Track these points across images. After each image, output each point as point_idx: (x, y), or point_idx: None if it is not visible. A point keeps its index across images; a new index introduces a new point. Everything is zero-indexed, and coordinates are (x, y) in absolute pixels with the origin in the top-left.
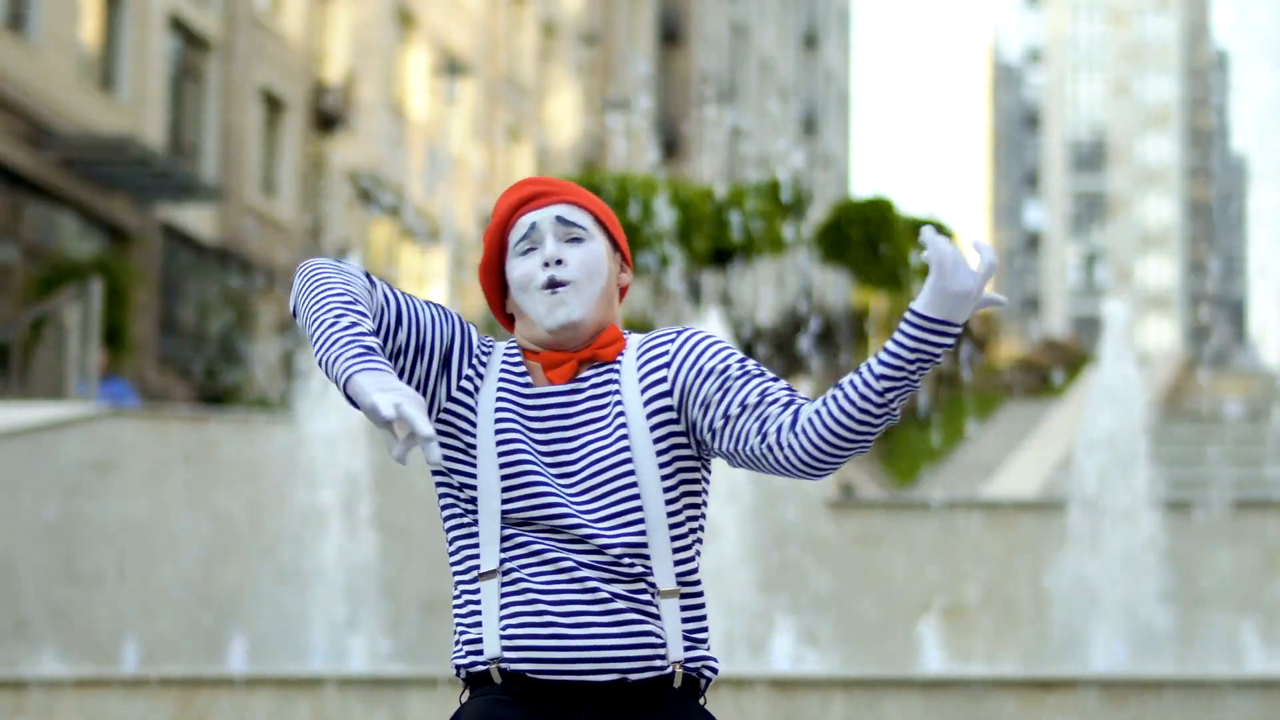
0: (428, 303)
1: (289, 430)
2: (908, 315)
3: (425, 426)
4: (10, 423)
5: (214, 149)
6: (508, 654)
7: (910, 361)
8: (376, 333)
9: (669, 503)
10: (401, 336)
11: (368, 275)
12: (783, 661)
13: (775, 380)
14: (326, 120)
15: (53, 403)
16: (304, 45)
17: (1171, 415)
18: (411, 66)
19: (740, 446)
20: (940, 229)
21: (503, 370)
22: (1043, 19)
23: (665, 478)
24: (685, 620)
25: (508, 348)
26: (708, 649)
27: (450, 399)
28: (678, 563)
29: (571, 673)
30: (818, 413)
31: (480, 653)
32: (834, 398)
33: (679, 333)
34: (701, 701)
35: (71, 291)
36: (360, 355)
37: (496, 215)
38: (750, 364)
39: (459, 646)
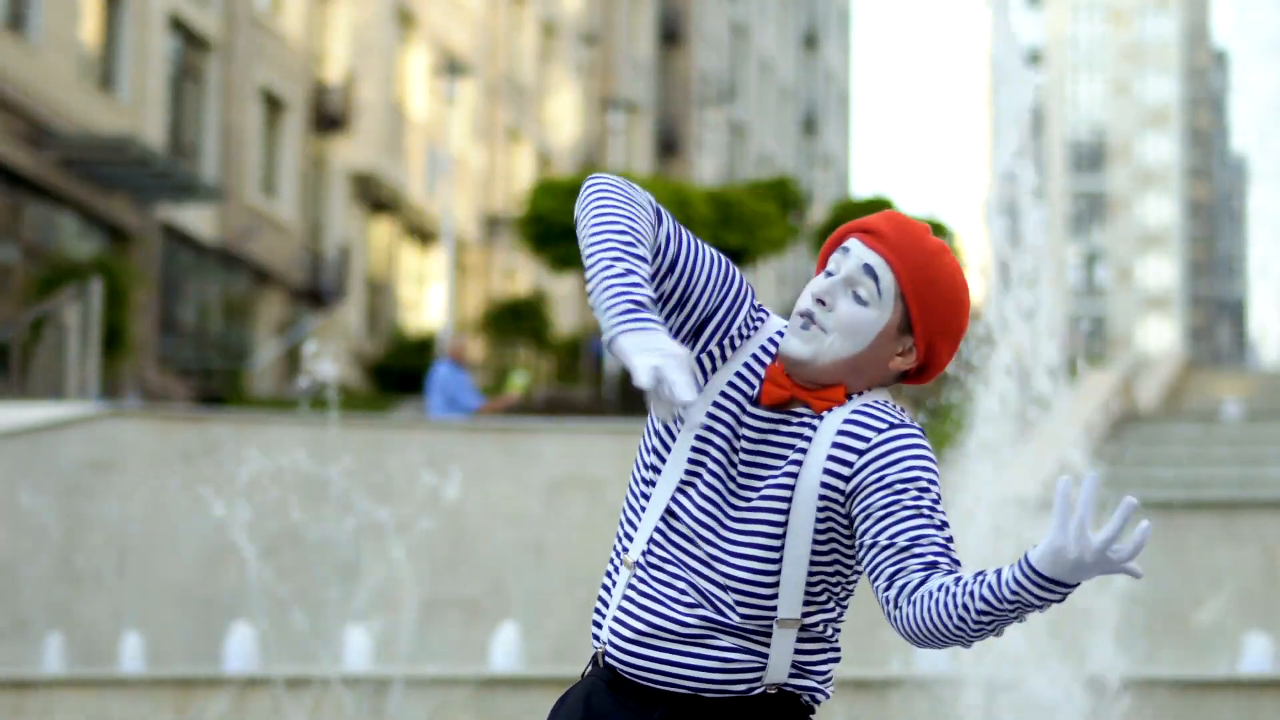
0: (717, 260)
1: (289, 430)
2: (1022, 559)
3: (685, 391)
4: (10, 423)
5: (214, 149)
6: (611, 643)
7: (1011, 603)
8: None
9: (815, 553)
10: (668, 284)
11: (656, 208)
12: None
13: (940, 528)
14: (326, 120)
15: (53, 403)
16: (304, 45)
17: (1171, 415)
18: (411, 66)
19: (870, 578)
20: (941, 229)
21: (747, 362)
22: (1043, 19)
23: (819, 531)
24: (800, 652)
25: (776, 333)
26: (820, 681)
27: (707, 350)
28: (808, 603)
29: (650, 680)
30: (932, 594)
31: (600, 627)
32: (947, 590)
33: (890, 425)
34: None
35: (71, 291)
36: (627, 313)
37: (851, 224)
38: (929, 497)
39: (595, 610)
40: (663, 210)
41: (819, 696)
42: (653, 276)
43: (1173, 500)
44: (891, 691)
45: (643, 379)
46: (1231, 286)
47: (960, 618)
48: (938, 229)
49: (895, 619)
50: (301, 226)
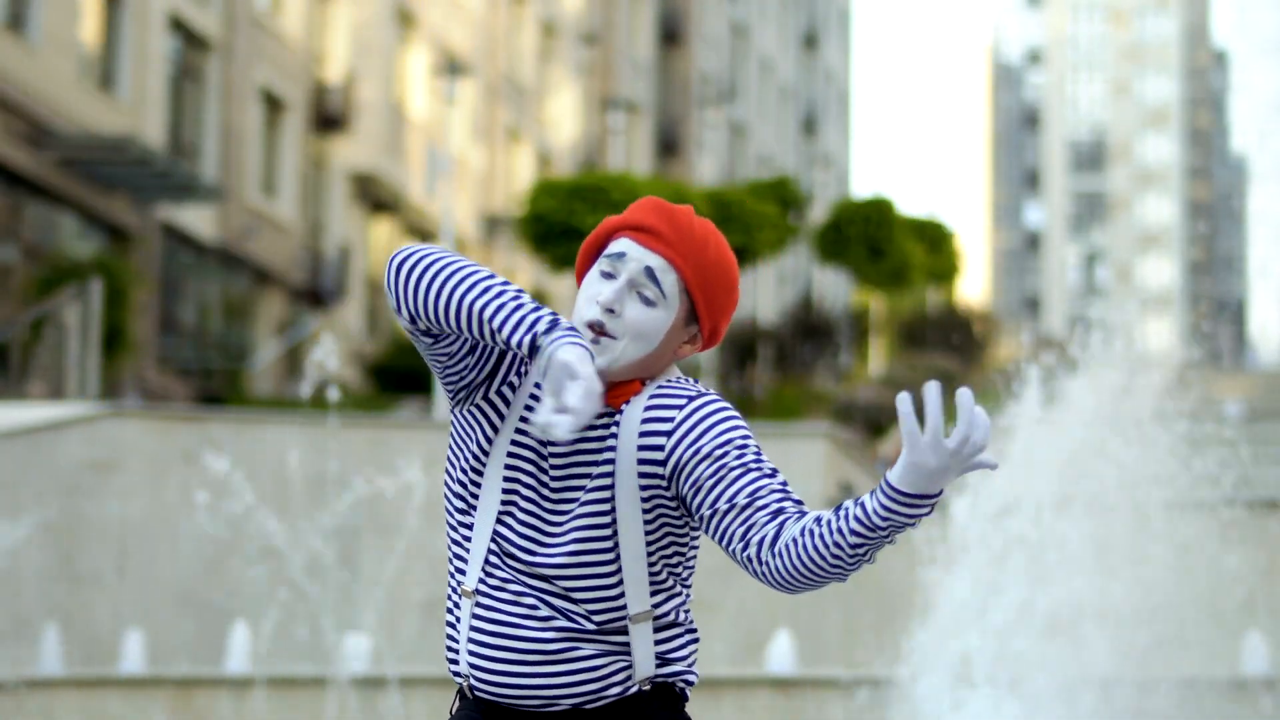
0: None
1: (289, 430)
2: (882, 484)
3: (576, 398)
4: (10, 423)
5: (214, 149)
6: (474, 675)
7: (882, 528)
8: (435, 327)
9: (649, 542)
10: (458, 345)
11: None
12: (783, 662)
13: (771, 475)
14: (326, 120)
15: (53, 403)
16: (304, 45)
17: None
18: (411, 66)
19: (723, 544)
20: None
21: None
22: (1043, 19)
23: (648, 520)
24: (660, 642)
25: None
26: (686, 664)
27: (486, 398)
28: (654, 592)
29: (529, 703)
30: (796, 540)
31: (457, 662)
32: (812, 533)
33: (689, 400)
34: (684, 706)
35: (71, 291)
36: (553, 325)
37: (614, 221)
38: (750, 452)
39: (446, 645)
40: None
41: (689, 679)
42: (440, 334)
43: (1172, 500)
44: (893, 691)
45: (596, 386)
46: (1231, 286)
47: (835, 555)
48: (938, 229)
49: (764, 574)
50: (301, 226)
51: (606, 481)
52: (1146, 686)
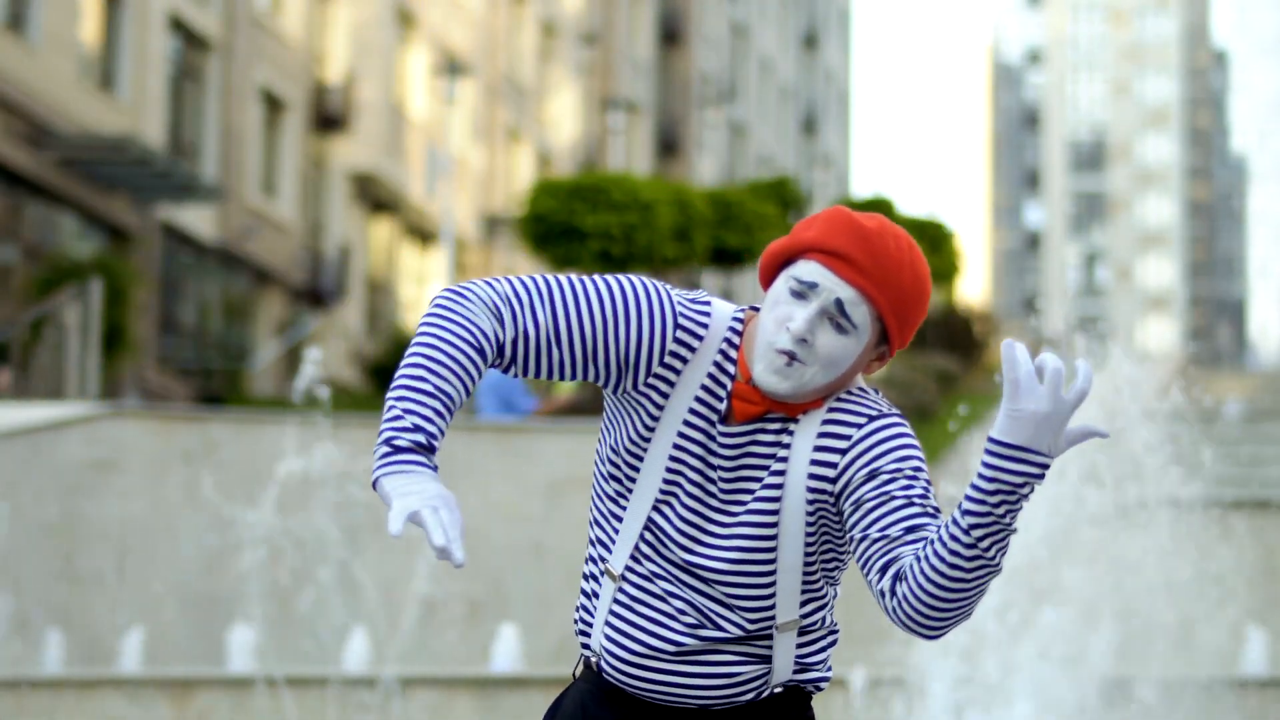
0: (606, 294)
1: (289, 430)
2: (986, 443)
3: (438, 537)
4: (10, 423)
5: (214, 149)
6: (605, 658)
7: (991, 494)
8: (524, 361)
9: (808, 555)
10: (560, 353)
11: (517, 290)
12: None
13: (933, 515)
14: (326, 120)
15: (53, 403)
16: (304, 45)
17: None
18: (411, 66)
19: (864, 571)
20: (940, 228)
21: (709, 373)
22: (1043, 19)
23: (809, 534)
24: (800, 648)
25: (730, 332)
26: (823, 669)
27: (635, 390)
28: (804, 602)
29: (656, 697)
30: (919, 561)
31: (589, 636)
32: (930, 546)
33: (869, 419)
34: (810, 703)
35: (71, 291)
36: (384, 457)
37: (808, 234)
38: (918, 486)
39: (578, 612)
40: (524, 286)
41: (822, 684)
42: (532, 356)
43: (1172, 500)
44: (893, 691)
45: (394, 528)
46: (1231, 286)
47: (952, 553)
48: (938, 229)
49: (894, 610)
50: (301, 226)
51: (776, 492)
52: (1147, 686)
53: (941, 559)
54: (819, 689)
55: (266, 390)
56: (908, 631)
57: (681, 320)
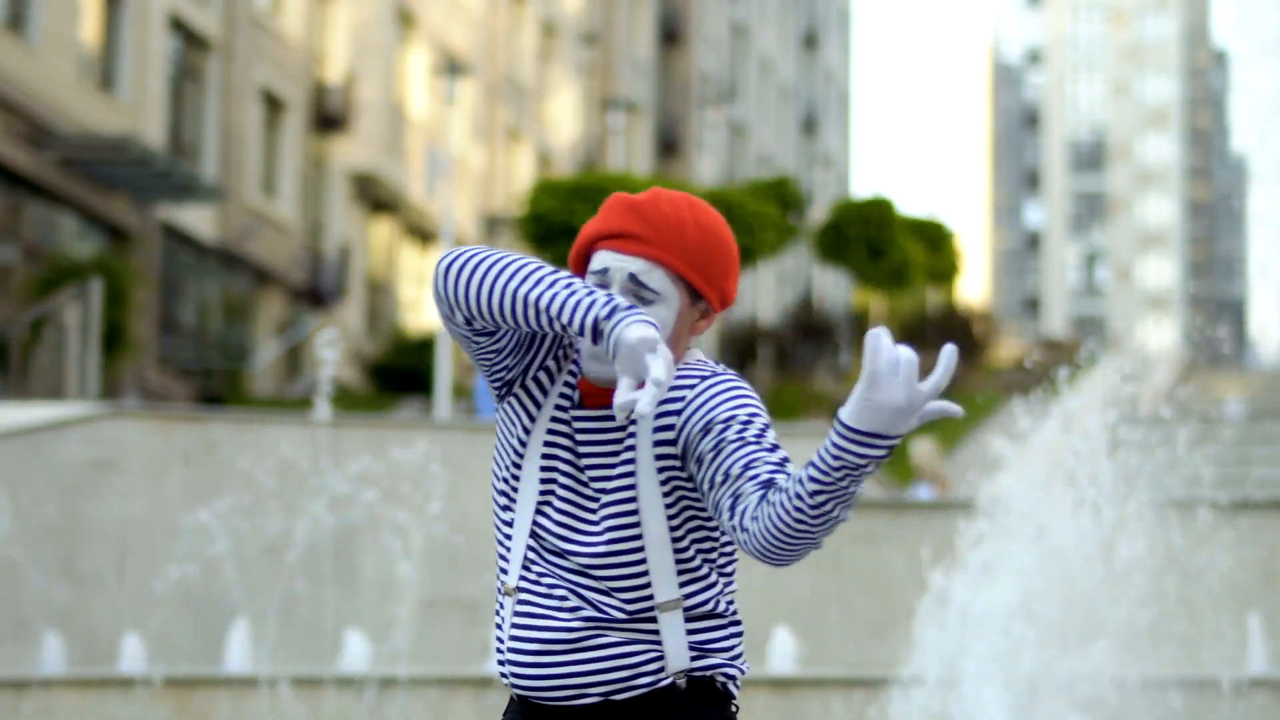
0: None
1: (289, 430)
2: (835, 422)
3: (660, 369)
4: (10, 423)
5: (214, 149)
6: (512, 672)
7: (835, 470)
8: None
9: (673, 527)
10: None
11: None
12: (783, 662)
13: (770, 450)
14: (326, 120)
15: (53, 403)
16: (304, 45)
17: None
18: (411, 66)
19: (717, 517)
20: (940, 228)
21: (571, 369)
22: (1043, 19)
23: (669, 505)
24: (693, 632)
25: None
26: (728, 657)
27: (522, 386)
28: (683, 582)
29: (556, 698)
30: (770, 502)
31: (502, 664)
32: (784, 491)
33: (701, 379)
34: (734, 706)
35: (71, 291)
36: (623, 307)
37: (590, 229)
38: (753, 428)
39: (496, 648)
40: None
41: (731, 672)
42: (489, 331)
43: (1173, 500)
44: (894, 691)
45: (660, 373)
46: (1231, 286)
47: (797, 508)
48: (938, 229)
49: (745, 543)
50: (301, 226)
51: (629, 469)
52: (1147, 687)
53: (789, 513)
54: (731, 680)
55: (266, 390)
56: (761, 562)
57: None
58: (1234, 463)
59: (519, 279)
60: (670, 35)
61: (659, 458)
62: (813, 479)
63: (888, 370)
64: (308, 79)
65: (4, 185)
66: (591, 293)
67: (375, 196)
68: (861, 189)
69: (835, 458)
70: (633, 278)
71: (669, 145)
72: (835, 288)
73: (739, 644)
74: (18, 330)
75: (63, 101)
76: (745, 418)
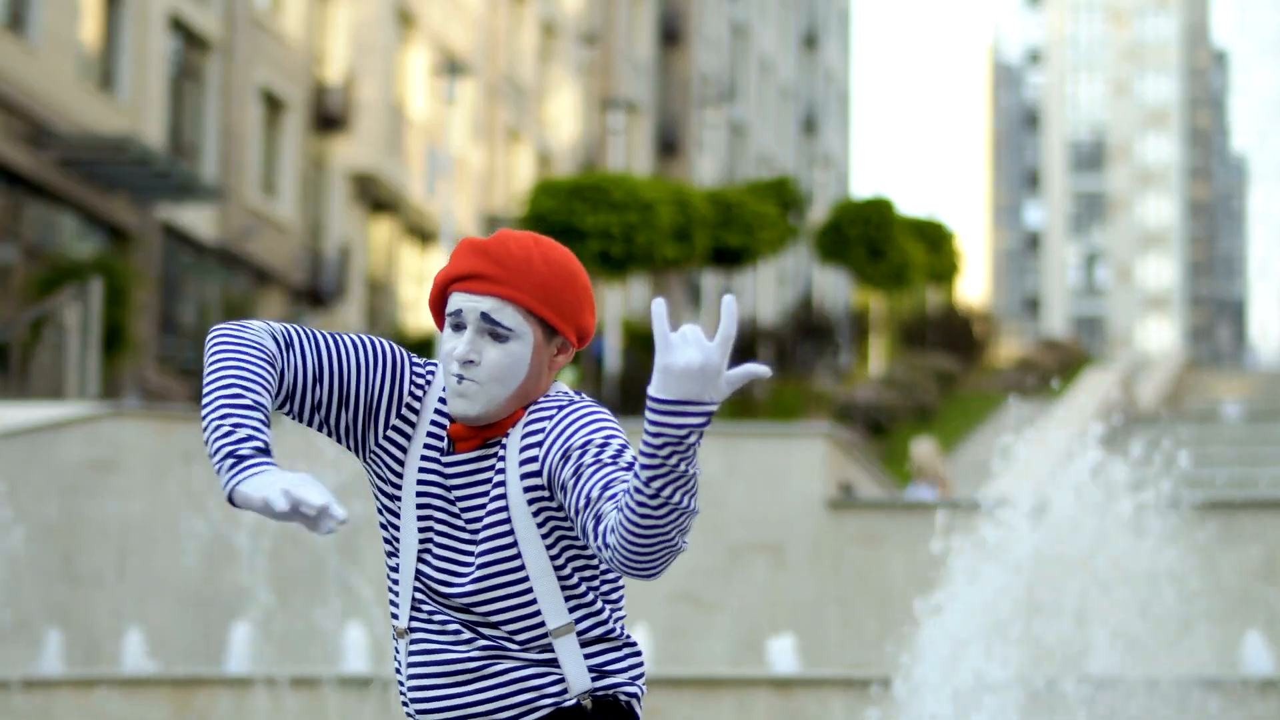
0: (359, 346)
1: (288, 429)
2: (647, 400)
3: (316, 498)
4: (10, 423)
5: (214, 149)
6: (416, 711)
7: (660, 447)
8: (288, 396)
9: (553, 557)
10: (320, 392)
11: (287, 329)
12: (783, 662)
13: (627, 469)
14: (326, 120)
15: (53, 403)
16: (304, 45)
17: (1171, 415)
18: (411, 66)
19: (587, 541)
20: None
21: (433, 420)
22: (1043, 19)
23: (544, 536)
24: (590, 655)
25: (445, 386)
26: (628, 677)
27: (378, 444)
28: (572, 607)
29: None
30: (617, 520)
31: (406, 705)
32: (626, 498)
33: (559, 408)
34: None
35: (71, 291)
36: (233, 468)
37: (441, 275)
38: (609, 449)
39: (397, 688)
40: (292, 328)
41: (632, 691)
42: (300, 390)
43: (1172, 500)
44: (893, 691)
45: (280, 505)
46: (1231, 286)
47: (639, 502)
48: (938, 229)
49: (610, 560)
50: (301, 226)
51: (501, 504)
52: (1147, 687)
53: (634, 510)
54: (634, 702)
55: None
56: (629, 576)
57: (414, 373)
58: (1234, 463)
59: (204, 406)
60: (670, 35)
61: (528, 490)
62: (644, 466)
63: (677, 335)
64: (308, 79)
65: (4, 185)
66: (218, 458)
67: (375, 196)
68: (861, 189)
69: (655, 435)
70: (485, 316)
71: (669, 145)
72: (835, 288)
73: (638, 665)
74: (18, 330)
75: (63, 101)
76: (601, 440)
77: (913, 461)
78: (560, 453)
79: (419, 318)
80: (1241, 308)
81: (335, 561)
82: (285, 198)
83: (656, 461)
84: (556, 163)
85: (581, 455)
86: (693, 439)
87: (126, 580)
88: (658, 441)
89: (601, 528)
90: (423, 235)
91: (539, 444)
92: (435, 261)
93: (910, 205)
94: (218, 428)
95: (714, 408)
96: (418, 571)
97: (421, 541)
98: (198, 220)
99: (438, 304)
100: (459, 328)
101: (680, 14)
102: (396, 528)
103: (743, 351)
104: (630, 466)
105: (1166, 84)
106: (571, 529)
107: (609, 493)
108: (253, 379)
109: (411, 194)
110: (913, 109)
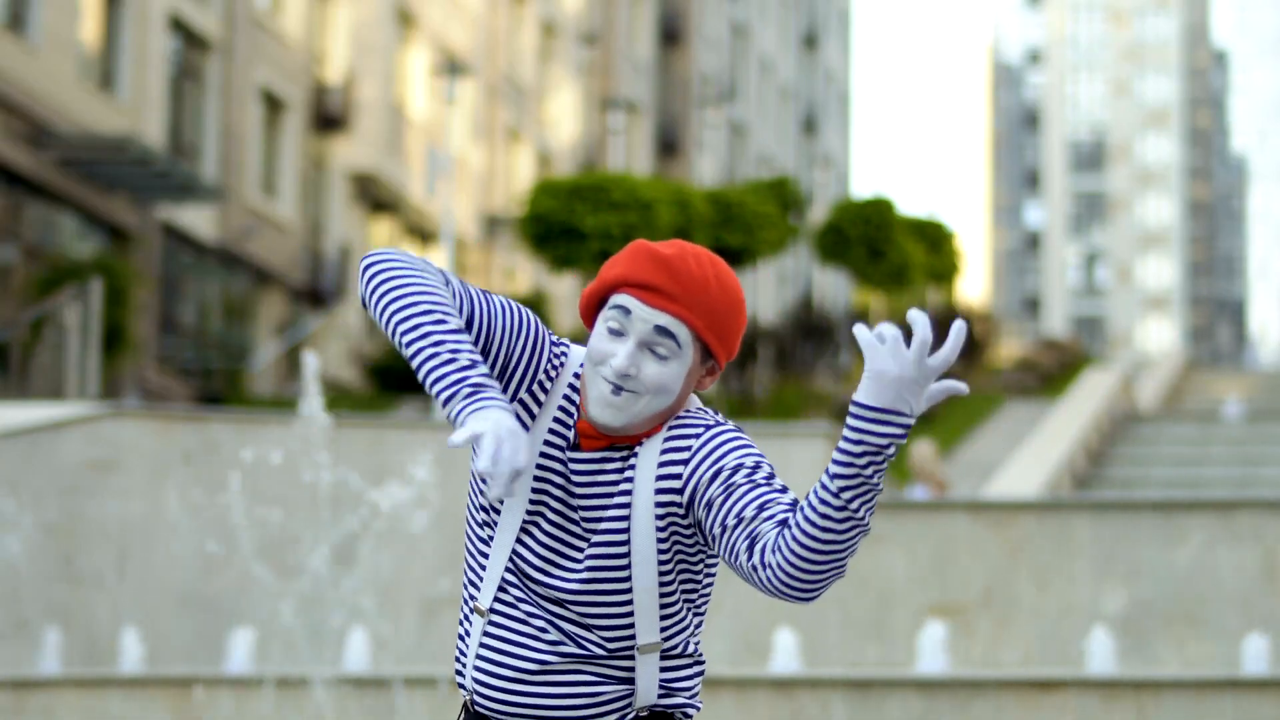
0: (507, 307)
1: (288, 430)
2: (850, 406)
3: (483, 461)
4: (10, 423)
5: (214, 149)
6: (477, 691)
7: (858, 456)
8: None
9: (663, 574)
10: None
11: (439, 270)
12: (783, 662)
13: (781, 491)
14: (326, 120)
15: (53, 403)
16: (304, 45)
17: (1171, 415)
18: (411, 66)
19: (732, 562)
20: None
21: (561, 405)
22: (1043, 19)
23: (662, 553)
24: (665, 671)
25: (575, 373)
26: (689, 696)
27: (514, 401)
28: (664, 627)
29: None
30: (788, 531)
31: (464, 675)
32: (800, 514)
33: (706, 428)
34: None
35: (71, 291)
36: (468, 398)
37: (613, 272)
38: (761, 472)
39: (456, 656)
40: (445, 270)
41: (690, 711)
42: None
43: (1172, 500)
44: (892, 691)
45: (455, 438)
46: (1231, 286)
47: (823, 514)
48: (938, 229)
49: (767, 580)
50: (301, 226)
51: (624, 512)
52: (1147, 687)
53: (813, 524)
54: (688, 717)
55: (266, 390)
56: (782, 598)
57: (552, 352)
58: (1234, 463)
59: (404, 327)
60: (670, 35)
61: (660, 505)
62: (835, 476)
63: (891, 342)
64: (308, 79)
65: (4, 185)
66: (443, 378)
67: (375, 196)
68: (861, 189)
69: (856, 441)
70: (659, 329)
71: (669, 145)
72: (835, 288)
73: (699, 683)
74: (18, 330)
75: (63, 101)
76: (752, 464)
77: (911, 462)
78: (710, 471)
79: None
80: (1241, 308)
81: (336, 561)
82: (285, 198)
83: (852, 471)
84: (556, 163)
85: (733, 475)
86: (891, 450)
87: (126, 580)
88: (858, 450)
89: (759, 547)
90: (423, 235)
91: (684, 461)
92: (435, 261)
93: (910, 205)
94: (433, 355)
95: (912, 421)
96: (514, 553)
97: (525, 524)
98: (198, 220)
99: (597, 300)
100: (618, 334)
101: (680, 14)
102: (500, 502)
103: (743, 352)
104: (785, 489)
105: (1166, 84)
106: (692, 549)
107: (766, 513)
108: (444, 305)
109: (411, 194)
110: (913, 109)
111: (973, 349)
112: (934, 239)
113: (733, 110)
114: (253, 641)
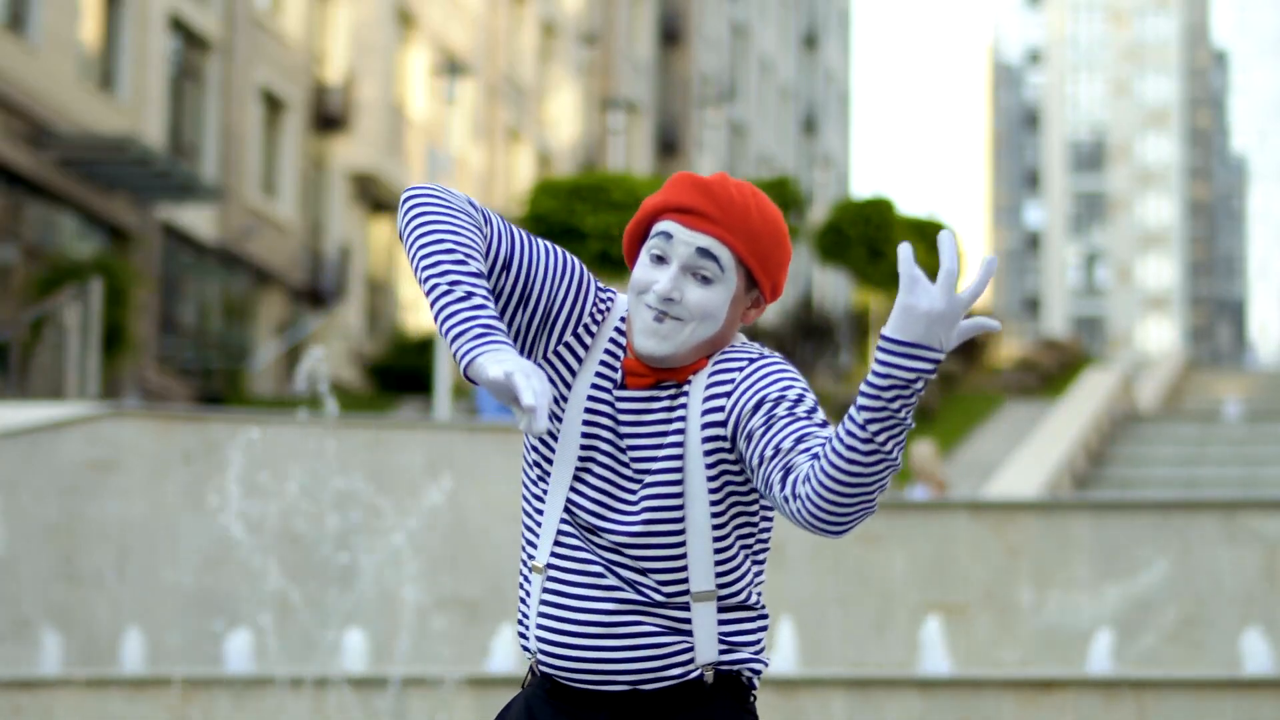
0: (551, 251)
1: (289, 430)
2: (879, 339)
3: (528, 396)
4: (10, 423)
5: (214, 149)
6: (540, 650)
7: (886, 389)
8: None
9: (715, 514)
10: (505, 281)
11: (482, 209)
12: (783, 661)
13: (821, 426)
14: (326, 120)
15: (53, 403)
16: (304, 45)
17: (1171, 415)
18: (411, 66)
19: (766, 492)
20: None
21: (608, 349)
22: (1043, 19)
23: (713, 491)
24: (724, 623)
25: (622, 317)
26: (753, 651)
27: (545, 358)
28: (720, 573)
29: (585, 681)
30: (819, 462)
31: (526, 636)
32: (829, 448)
33: (750, 361)
34: (753, 698)
35: (71, 291)
36: (479, 337)
37: (654, 203)
38: (803, 405)
39: (519, 619)
40: (488, 210)
41: (756, 668)
42: (488, 276)
43: (1172, 500)
44: (892, 691)
45: (493, 371)
46: (1231, 286)
47: (850, 446)
48: (938, 229)
49: (797, 511)
50: (301, 226)
51: (677, 452)
52: (1147, 687)
53: (840, 455)
54: (755, 676)
55: (266, 390)
56: (813, 531)
57: (598, 295)
58: (1234, 463)
59: (424, 264)
60: (670, 35)
61: (708, 440)
62: (862, 408)
63: (924, 277)
64: (308, 79)
65: (4, 185)
66: (454, 314)
67: (375, 196)
68: (861, 189)
69: (883, 376)
70: (701, 251)
71: (669, 145)
72: (835, 288)
73: (764, 637)
74: (18, 330)
75: (63, 101)
76: (795, 397)
77: (912, 463)
78: (753, 402)
79: (419, 318)
80: (1241, 308)
81: (336, 561)
82: (285, 198)
83: (879, 404)
84: (556, 163)
85: (774, 407)
86: (920, 385)
87: (126, 580)
88: (884, 383)
89: (792, 478)
90: None
91: (728, 394)
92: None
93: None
94: (452, 289)
95: (942, 356)
96: (569, 501)
97: (578, 471)
98: (198, 220)
99: (639, 233)
100: (661, 260)
101: (680, 14)
102: (552, 452)
103: None
104: (825, 424)
105: (1166, 84)
106: (744, 486)
107: (803, 445)
108: (469, 245)
109: None
110: (913, 109)
111: (973, 349)
112: (934, 239)
113: (733, 110)
114: (252, 642)
